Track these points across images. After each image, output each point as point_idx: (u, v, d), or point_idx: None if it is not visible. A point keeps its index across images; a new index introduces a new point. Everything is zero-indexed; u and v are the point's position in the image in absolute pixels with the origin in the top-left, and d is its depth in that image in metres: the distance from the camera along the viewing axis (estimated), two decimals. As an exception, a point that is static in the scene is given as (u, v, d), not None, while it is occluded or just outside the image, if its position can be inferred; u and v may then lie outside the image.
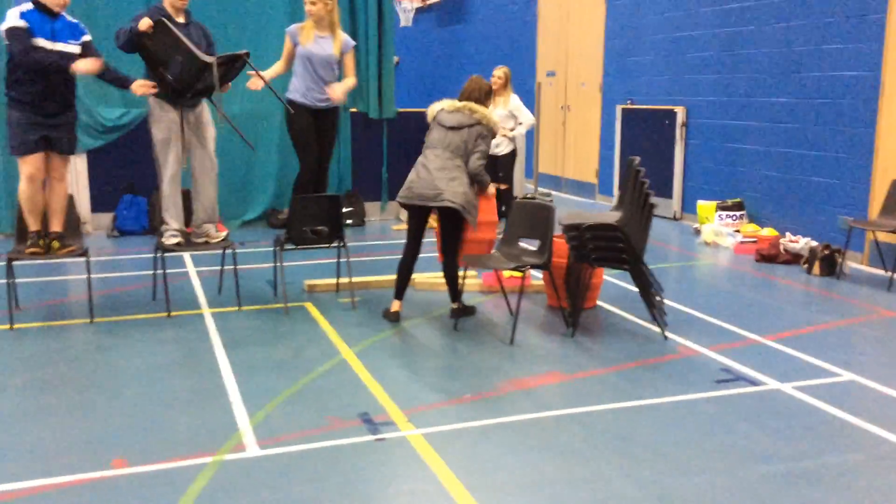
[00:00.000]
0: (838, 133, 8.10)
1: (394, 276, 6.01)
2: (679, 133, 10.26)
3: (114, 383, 4.78)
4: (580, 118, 12.65)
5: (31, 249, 5.88)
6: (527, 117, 9.16)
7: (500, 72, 9.16)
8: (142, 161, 7.90)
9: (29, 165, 5.80)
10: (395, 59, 20.27)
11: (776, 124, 8.84)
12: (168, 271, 6.31)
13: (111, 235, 9.17)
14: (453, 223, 5.75)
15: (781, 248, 8.05)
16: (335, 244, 6.36)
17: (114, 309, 6.22)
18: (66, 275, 7.31)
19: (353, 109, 10.09)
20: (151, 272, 6.59)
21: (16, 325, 5.75)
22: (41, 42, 5.67)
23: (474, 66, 15.08)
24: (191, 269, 7.48)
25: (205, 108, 6.56)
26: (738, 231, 8.92)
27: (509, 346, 5.47)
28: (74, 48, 5.84)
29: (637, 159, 5.72)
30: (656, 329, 5.76)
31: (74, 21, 5.97)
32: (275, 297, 6.56)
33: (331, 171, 9.79)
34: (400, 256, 5.98)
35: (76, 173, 9.24)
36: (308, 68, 6.88)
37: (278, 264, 6.39)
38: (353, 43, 6.63)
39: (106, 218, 9.33)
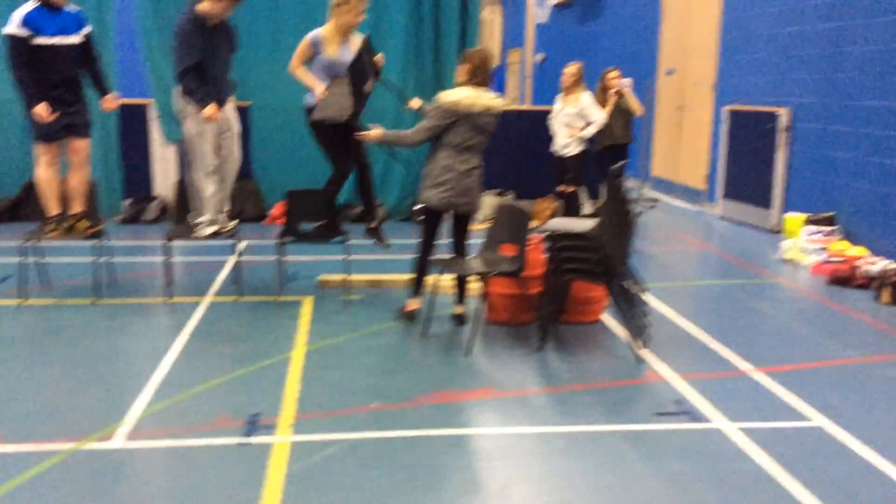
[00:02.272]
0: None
1: (404, 275, 5.91)
2: (781, 137, 9.35)
3: (41, 362, 5.01)
4: (694, 119, 11.85)
5: (51, 233, 6.26)
6: (598, 117, 8.68)
7: (571, 68, 8.76)
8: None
9: (47, 152, 6.20)
10: (542, 55, 20.08)
11: (876, 130, 7.84)
12: (204, 258, 6.52)
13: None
14: (467, 222, 5.70)
15: (858, 270, 7.14)
16: (336, 240, 6.32)
17: (126, 292, 6.52)
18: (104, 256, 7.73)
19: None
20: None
21: (28, 301, 6.17)
22: (42, 40, 5.97)
23: (606, 63, 14.53)
24: (233, 257, 7.71)
25: (231, 103, 6.72)
26: (824, 249, 8.00)
27: (465, 357, 5.20)
28: (76, 39, 6.18)
29: (621, 165, 5.25)
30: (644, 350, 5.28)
31: (77, 11, 6.29)
32: (280, 290, 6.62)
33: (410, 165, 9.79)
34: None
35: (166, 161, 9.81)
36: (333, 76, 6.64)
37: (279, 258, 6.45)
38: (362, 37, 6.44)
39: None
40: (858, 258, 7.39)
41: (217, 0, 6.34)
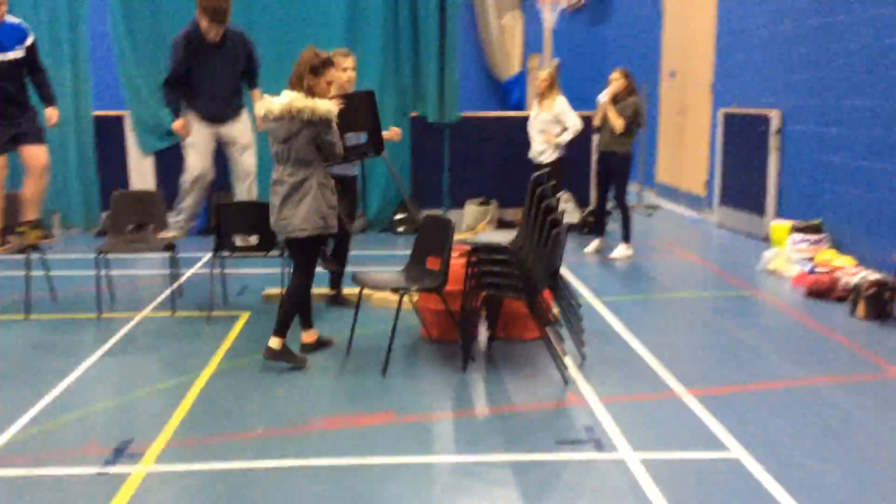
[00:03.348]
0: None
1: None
2: (772, 140, 8.87)
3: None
4: (694, 123, 11.39)
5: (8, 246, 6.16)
6: (573, 122, 8.31)
7: (543, 73, 8.43)
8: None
9: None
10: (557, 60, 19.69)
11: (861, 131, 7.36)
12: (161, 272, 6.34)
13: (168, 234, 9.47)
14: (306, 247, 5.02)
15: (839, 282, 6.67)
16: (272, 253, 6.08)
17: (62, 308, 6.35)
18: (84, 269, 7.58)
19: (414, 113, 9.73)
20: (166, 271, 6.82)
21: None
22: None
23: (612, 66, 14.13)
24: (191, 270, 7.52)
25: (240, 119, 6.97)
26: (811, 258, 7.51)
27: (380, 377, 4.90)
28: (19, 53, 6.04)
29: (542, 174, 4.92)
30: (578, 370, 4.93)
31: (17, 23, 6.13)
32: (224, 304, 6.40)
33: (389, 178, 9.54)
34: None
35: (143, 173, 9.70)
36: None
37: (215, 271, 6.23)
38: None
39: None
40: (842, 269, 6.91)
41: (202, 19, 6.26)
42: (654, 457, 3.86)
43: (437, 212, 9.91)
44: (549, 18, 16.57)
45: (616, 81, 8.22)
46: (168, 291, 6.43)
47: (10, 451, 3.92)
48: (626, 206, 8.32)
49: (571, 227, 9.61)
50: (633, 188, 10.25)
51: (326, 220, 4.90)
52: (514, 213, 9.70)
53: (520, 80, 22.62)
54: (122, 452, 3.89)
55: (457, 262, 5.13)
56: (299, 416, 4.36)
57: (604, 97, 8.23)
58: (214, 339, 5.60)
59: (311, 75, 4.83)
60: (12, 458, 3.84)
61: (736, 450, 3.94)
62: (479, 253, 4.90)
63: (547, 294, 5.18)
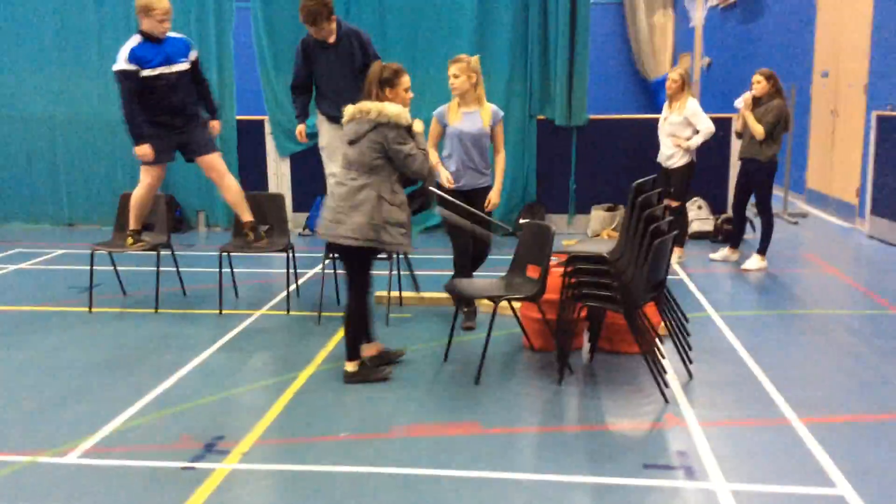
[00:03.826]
0: None
1: (443, 295, 5.80)
2: (931, 146, 8.14)
3: (47, 368, 5.15)
4: (847, 126, 10.62)
5: (131, 245, 6.49)
6: (705, 125, 7.93)
7: (674, 73, 8.07)
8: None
9: (152, 174, 6.40)
10: (707, 59, 18.94)
11: None
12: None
13: (302, 234, 9.79)
14: (355, 260, 4.81)
15: None
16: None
17: (189, 303, 6.64)
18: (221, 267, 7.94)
19: (541, 117, 9.60)
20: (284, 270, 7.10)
21: (97, 309, 6.45)
22: (148, 72, 6.12)
23: (763, 65, 13.42)
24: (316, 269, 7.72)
25: None
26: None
27: (473, 386, 4.83)
28: (184, 65, 6.32)
29: (646, 181, 4.70)
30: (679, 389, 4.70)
31: (180, 37, 6.41)
32: (338, 304, 6.51)
33: (514, 180, 9.48)
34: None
35: (280, 175, 10.06)
36: (458, 147, 6.26)
37: (328, 271, 6.36)
38: (502, 114, 5.92)
39: (304, 217, 9.99)
40: None
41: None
42: (747, 489, 3.60)
43: (564, 217, 9.76)
44: (698, 16, 15.95)
45: (758, 84, 7.77)
46: (288, 290, 6.57)
47: (110, 441, 4.12)
48: (769, 216, 7.84)
49: (703, 235, 9.21)
50: (778, 193, 9.69)
51: (380, 234, 4.61)
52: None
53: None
54: (211, 448, 4.02)
55: (557, 271, 4.99)
56: (385, 421, 4.36)
57: (740, 103, 7.81)
58: (321, 340, 5.71)
59: (380, 88, 4.71)
60: (110, 449, 4.04)
61: (842, 486, 3.61)
62: (577, 263, 4.74)
63: (652, 307, 4.96)
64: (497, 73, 9.42)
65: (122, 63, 6.12)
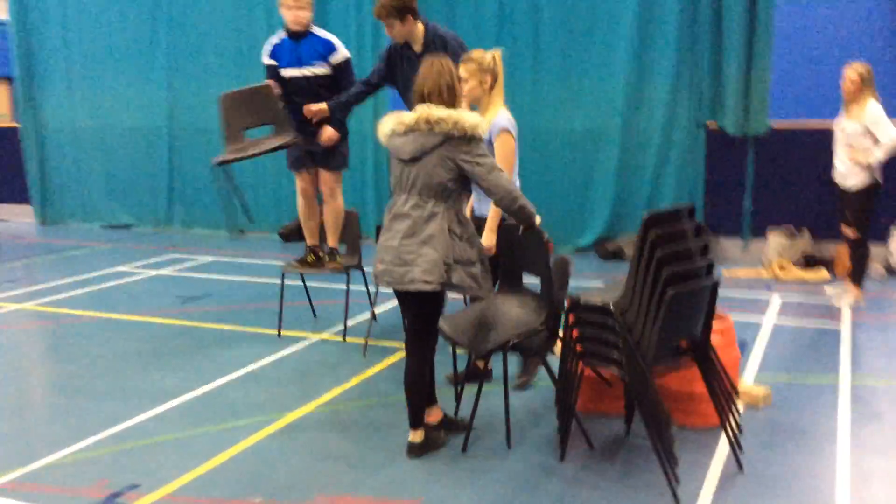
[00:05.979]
0: None
1: None
2: None
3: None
4: None
5: (296, 265, 6.04)
6: (887, 135, 6.29)
7: (851, 72, 6.47)
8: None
9: (299, 181, 6.03)
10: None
11: None
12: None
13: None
14: (429, 308, 3.95)
15: None
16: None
17: (249, 321, 6.38)
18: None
19: (711, 124, 8.28)
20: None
21: (129, 317, 6.40)
22: (284, 72, 5.73)
23: None
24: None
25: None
26: None
27: (451, 454, 4.02)
28: (321, 69, 5.72)
29: (655, 213, 3.61)
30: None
31: (326, 38, 5.77)
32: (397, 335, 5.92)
33: (678, 198, 8.30)
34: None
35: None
36: None
37: (316, 286, 5.78)
38: (503, 124, 4.72)
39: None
40: None
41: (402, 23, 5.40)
42: None
43: (737, 241, 8.36)
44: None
45: None
46: (346, 315, 6.03)
47: (29, 478, 3.85)
48: None
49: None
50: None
51: (451, 273, 3.74)
52: (830, 249, 7.76)
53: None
54: (112, 500, 3.61)
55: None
56: (313, 488, 3.70)
57: None
58: (347, 373, 5.16)
59: (451, 93, 3.82)
60: (19, 487, 3.77)
61: None
62: (579, 311, 3.76)
63: (687, 371, 3.85)
64: (660, 74, 8.31)
65: (264, 57, 5.83)
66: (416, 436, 4.00)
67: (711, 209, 8.37)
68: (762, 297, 6.94)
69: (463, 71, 4.43)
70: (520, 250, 4.27)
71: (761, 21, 7.90)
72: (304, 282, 6.45)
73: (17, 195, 11.79)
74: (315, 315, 6.46)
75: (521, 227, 3.99)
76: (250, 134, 5.82)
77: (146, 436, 4.30)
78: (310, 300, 6.50)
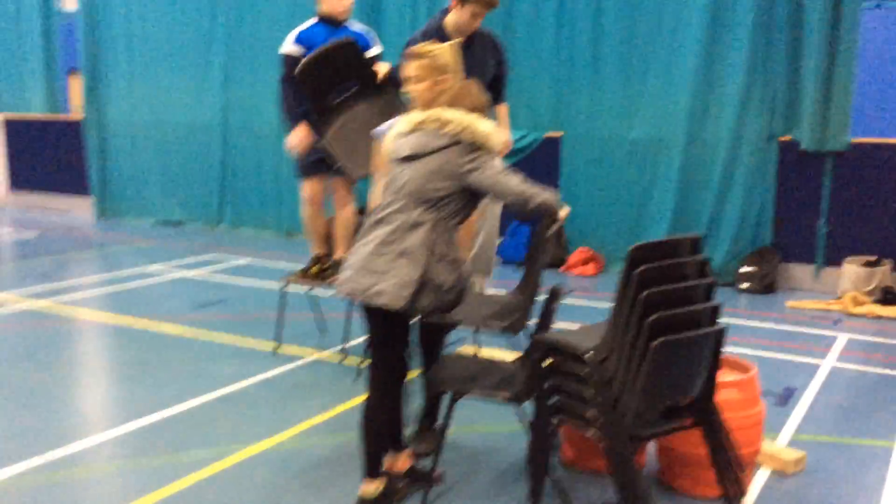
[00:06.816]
0: None
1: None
2: None
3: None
4: None
5: (297, 277, 5.56)
6: None
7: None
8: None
9: (308, 187, 5.54)
10: None
11: None
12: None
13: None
14: (394, 328, 3.41)
15: None
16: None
17: (246, 330, 5.96)
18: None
19: (785, 138, 7.44)
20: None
21: (151, 326, 6.04)
22: None
23: None
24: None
25: None
26: None
27: (408, 508, 3.47)
28: None
29: (643, 245, 2.97)
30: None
31: (362, 31, 5.45)
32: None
33: (744, 219, 7.52)
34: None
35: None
36: None
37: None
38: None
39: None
40: None
41: (461, 8, 4.91)
42: None
43: (808, 269, 7.48)
44: None
45: None
46: (346, 334, 5.54)
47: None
48: None
49: None
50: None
51: (420, 295, 3.22)
52: (915, 283, 6.84)
53: None
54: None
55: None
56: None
57: None
58: (331, 400, 4.67)
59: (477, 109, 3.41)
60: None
61: None
62: (554, 356, 3.15)
63: (691, 433, 3.19)
64: (729, 81, 7.51)
65: (287, 45, 5.29)
66: (370, 487, 3.43)
67: (781, 231, 7.52)
68: (826, 333, 6.11)
69: (415, 68, 3.79)
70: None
71: (845, 30, 7.01)
72: (310, 293, 5.99)
73: (82, 188, 11.80)
74: (324, 330, 5.99)
75: (545, 226, 3.44)
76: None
77: (83, 463, 3.90)
78: (319, 313, 6.04)
